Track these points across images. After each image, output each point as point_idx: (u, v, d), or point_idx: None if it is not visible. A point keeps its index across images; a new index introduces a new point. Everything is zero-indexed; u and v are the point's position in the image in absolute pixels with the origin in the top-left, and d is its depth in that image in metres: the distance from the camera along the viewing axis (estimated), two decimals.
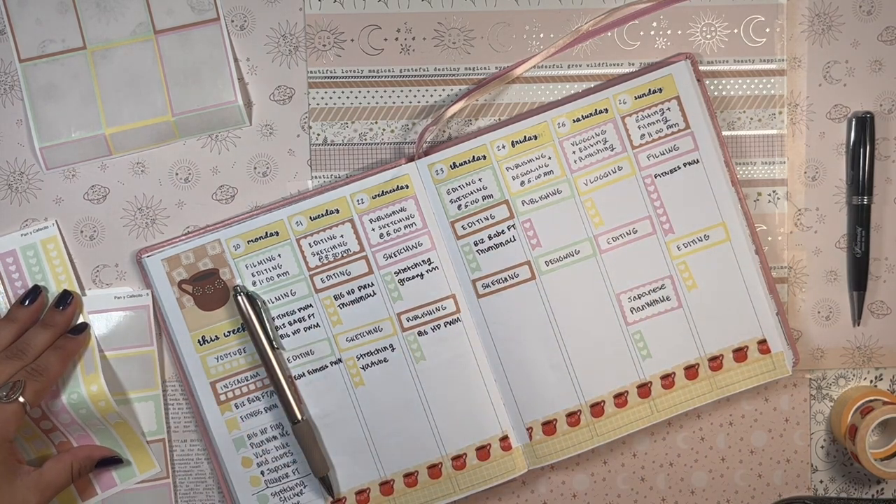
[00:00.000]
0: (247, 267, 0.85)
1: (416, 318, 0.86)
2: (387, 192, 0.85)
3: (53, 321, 0.83)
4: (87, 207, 0.87)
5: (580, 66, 0.88)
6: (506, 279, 0.86)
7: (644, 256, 0.86)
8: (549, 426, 0.87)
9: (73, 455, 0.83)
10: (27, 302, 0.84)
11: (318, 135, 0.88)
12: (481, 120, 0.88)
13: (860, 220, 0.88)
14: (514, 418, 0.87)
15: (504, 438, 0.87)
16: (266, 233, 0.85)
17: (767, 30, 0.88)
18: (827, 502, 0.90)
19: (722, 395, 0.87)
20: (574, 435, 0.87)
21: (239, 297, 0.84)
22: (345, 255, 0.86)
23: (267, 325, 0.85)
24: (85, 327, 0.85)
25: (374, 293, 0.86)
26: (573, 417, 0.87)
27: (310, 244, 0.85)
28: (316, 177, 0.88)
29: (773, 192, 0.89)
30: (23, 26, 0.85)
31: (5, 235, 0.86)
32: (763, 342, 0.87)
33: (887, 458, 0.88)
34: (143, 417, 0.87)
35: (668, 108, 0.86)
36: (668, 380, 0.87)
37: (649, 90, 0.86)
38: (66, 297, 0.84)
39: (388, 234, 0.85)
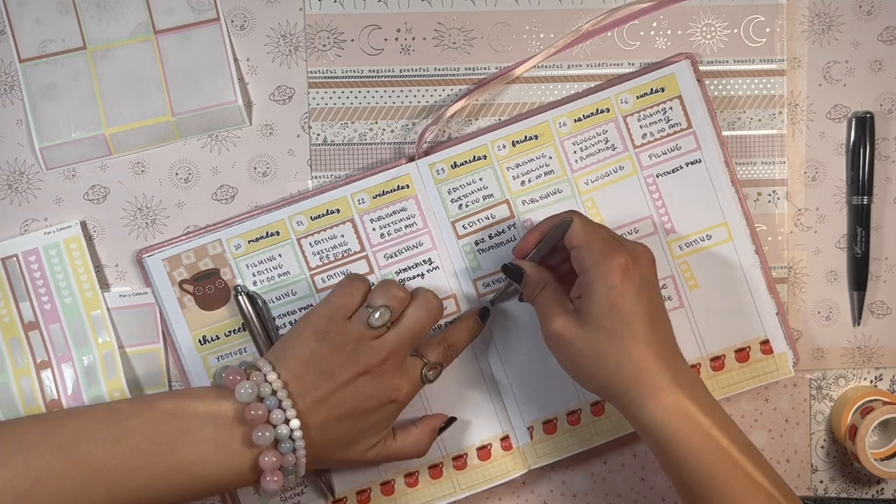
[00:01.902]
0: (247, 266, 0.85)
1: None
2: (387, 191, 0.85)
3: (473, 331, 0.84)
4: (87, 207, 0.87)
5: (580, 66, 0.88)
6: (506, 278, 0.86)
7: None
8: (549, 425, 0.87)
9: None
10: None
11: (318, 135, 0.88)
12: (481, 120, 0.88)
13: (860, 220, 0.88)
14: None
15: (505, 438, 0.87)
16: (267, 232, 0.85)
17: (767, 30, 0.88)
18: (827, 502, 0.90)
19: (724, 396, 0.87)
20: (575, 434, 0.87)
21: (240, 297, 0.84)
22: (346, 254, 0.85)
23: (268, 324, 0.84)
24: (488, 314, 0.85)
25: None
26: (574, 416, 0.87)
27: (310, 244, 0.85)
28: (316, 177, 0.88)
29: (773, 192, 0.89)
30: (23, 26, 0.85)
31: (29, 234, 0.86)
32: (765, 342, 0.87)
33: (887, 458, 0.88)
34: None
35: (671, 108, 0.86)
36: None
37: (651, 89, 0.86)
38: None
39: (388, 233, 0.85)
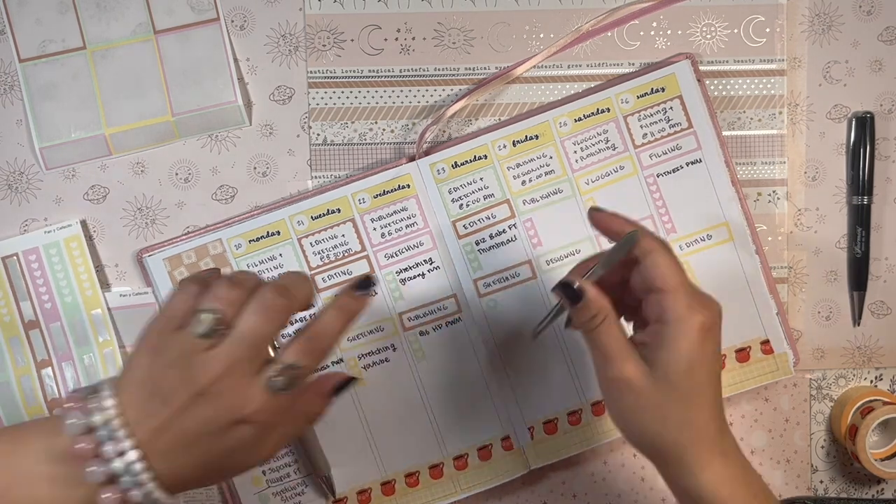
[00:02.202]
0: (248, 266, 0.85)
1: (417, 317, 0.86)
2: (388, 191, 0.85)
3: (348, 310, 0.68)
4: (87, 207, 0.87)
5: (580, 66, 0.88)
6: (507, 278, 0.86)
7: None
8: (550, 425, 0.87)
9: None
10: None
11: (318, 135, 0.88)
12: (481, 120, 0.88)
13: (860, 220, 0.88)
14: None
15: (506, 438, 0.87)
16: (267, 232, 0.85)
17: (767, 30, 0.88)
18: (827, 502, 0.90)
19: (724, 396, 0.86)
20: (575, 434, 0.87)
21: None
22: (346, 254, 0.85)
23: None
24: (372, 284, 0.69)
25: (376, 293, 0.86)
26: (574, 416, 0.87)
27: (311, 244, 0.85)
28: (316, 177, 0.88)
29: (773, 192, 0.89)
30: (23, 26, 0.85)
31: (29, 233, 0.86)
32: (766, 342, 0.87)
33: (887, 458, 0.88)
34: None
35: (671, 108, 0.86)
36: None
37: (652, 89, 0.86)
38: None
39: (389, 233, 0.85)
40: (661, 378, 0.66)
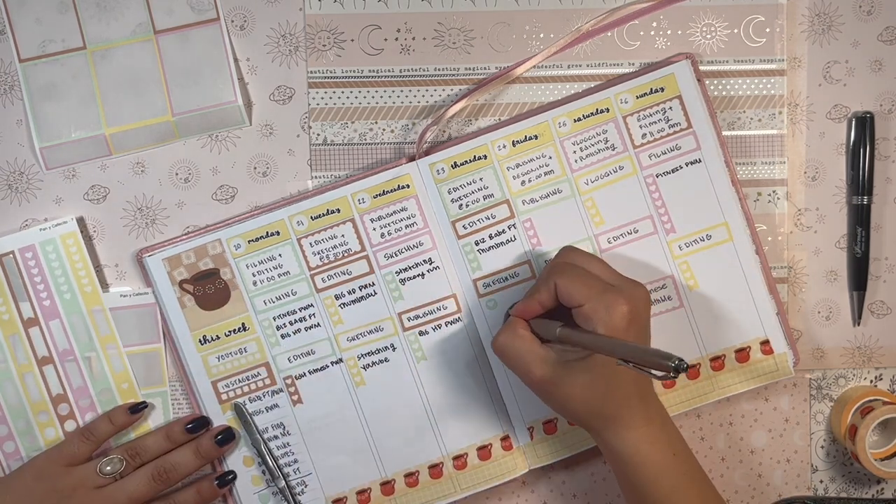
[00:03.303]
0: (247, 266, 0.85)
1: (416, 317, 0.86)
2: (388, 191, 0.85)
3: (209, 455, 0.85)
4: (87, 207, 0.87)
5: (580, 66, 0.88)
6: (506, 279, 0.86)
7: (645, 256, 0.86)
8: (549, 425, 0.87)
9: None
10: (191, 428, 0.85)
11: (318, 135, 0.88)
12: (481, 120, 0.88)
13: (860, 220, 0.88)
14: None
15: (505, 438, 0.87)
16: (267, 232, 0.85)
17: (767, 30, 0.88)
18: (827, 502, 0.90)
19: (723, 395, 0.87)
20: (575, 434, 0.87)
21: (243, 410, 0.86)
22: (346, 254, 0.85)
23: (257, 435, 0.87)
24: (231, 480, 0.86)
25: (375, 293, 0.86)
26: None
27: (311, 244, 0.85)
28: (316, 177, 0.88)
29: (773, 192, 0.89)
30: (23, 26, 0.85)
31: (25, 230, 0.86)
32: (766, 342, 0.87)
33: (887, 458, 0.88)
34: (152, 414, 0.87)
35: (670, 108, 0.86)
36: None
37: (651, 89, 0.86)
38: (229, 437, 0.85)
39: (389, 233, 0.85)
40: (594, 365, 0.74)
